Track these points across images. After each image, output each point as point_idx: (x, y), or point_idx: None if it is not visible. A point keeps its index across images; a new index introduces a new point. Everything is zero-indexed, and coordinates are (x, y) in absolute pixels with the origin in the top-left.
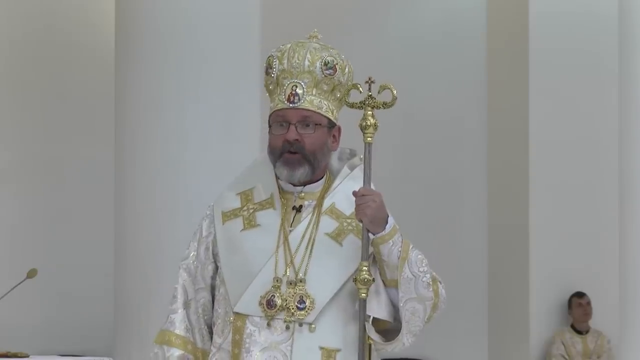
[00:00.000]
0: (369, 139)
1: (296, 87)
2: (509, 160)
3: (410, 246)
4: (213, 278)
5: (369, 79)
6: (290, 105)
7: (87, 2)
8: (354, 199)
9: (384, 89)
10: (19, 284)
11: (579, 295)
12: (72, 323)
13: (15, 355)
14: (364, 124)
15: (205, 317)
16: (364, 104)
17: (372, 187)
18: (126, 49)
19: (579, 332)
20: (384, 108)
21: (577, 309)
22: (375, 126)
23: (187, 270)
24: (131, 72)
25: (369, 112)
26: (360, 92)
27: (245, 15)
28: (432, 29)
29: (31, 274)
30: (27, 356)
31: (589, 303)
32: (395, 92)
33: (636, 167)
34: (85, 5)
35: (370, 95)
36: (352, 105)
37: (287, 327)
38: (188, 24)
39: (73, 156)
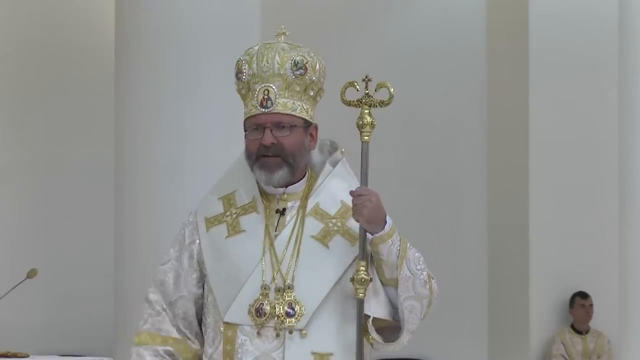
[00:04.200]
0: (366, 137)
1: (268, 91)
2: (509, 160)
3: (408, 244)
4: (197, 287)
5: (366, 77)
6: (264, 110)
7: (87, 2)
8: (337, 197)
9: (381, 87)
10: (19, 284)
11: (583, 296)
12: (72, 323)
13: (15, 355)
14: (361, 122)
15: (190, 324)
16: (360, 102)
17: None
18: (126, 49)
19: (579, 332)
20: (381, 106)
21: (579, 309)
22: (372, 124)
23: (164, 274)
24: (131, 72)
25: (366, 111)
26: (357, 90)
27: (245, 15)
28: (432, 29)
29: (31, 274)
30: (27, 356)
31: (591, 305)
32: (392, 90)
33: (636, 167)
34: (85, 5)
35: (367, 93)
36: (348, 104)
37: (278, 335)
38: (188, 24)
39: (73, 156)
